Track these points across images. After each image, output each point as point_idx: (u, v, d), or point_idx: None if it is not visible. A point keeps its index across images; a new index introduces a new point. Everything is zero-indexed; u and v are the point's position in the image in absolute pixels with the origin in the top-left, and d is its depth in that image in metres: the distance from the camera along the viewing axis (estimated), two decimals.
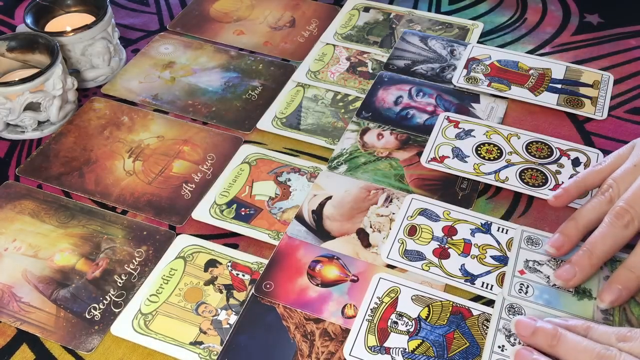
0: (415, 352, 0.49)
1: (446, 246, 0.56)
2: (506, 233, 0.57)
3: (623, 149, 0.56)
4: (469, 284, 0.53)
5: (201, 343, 0.51)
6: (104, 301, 0.54)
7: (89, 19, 0.73)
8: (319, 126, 0.68)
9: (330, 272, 0.55)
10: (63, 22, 0.75)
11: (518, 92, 0.70)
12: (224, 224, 0.59)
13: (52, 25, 0.75)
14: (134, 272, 0.56)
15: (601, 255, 0.51)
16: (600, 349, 0.44)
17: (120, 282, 0.55)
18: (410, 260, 0.55)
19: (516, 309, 0.51)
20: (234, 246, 0.58)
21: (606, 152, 0.64)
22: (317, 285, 0.54)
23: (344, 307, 0.53)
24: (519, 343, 0.49)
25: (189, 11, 0.85)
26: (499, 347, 0.49)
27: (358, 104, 0.70)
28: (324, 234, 0.58)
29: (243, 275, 0.55)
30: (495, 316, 0.51)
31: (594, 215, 0.52)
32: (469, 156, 0.64)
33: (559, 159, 0.63)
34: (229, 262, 0.56)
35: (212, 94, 0.73)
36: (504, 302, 0.52)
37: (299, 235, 0.58)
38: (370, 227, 0.58)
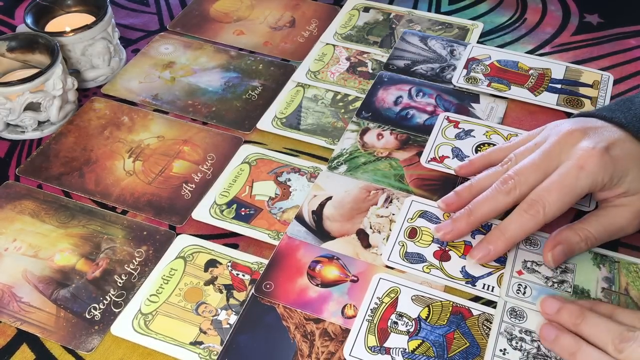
0: (415, 353, 0.49)
1: (447, 248, 0.56)
2: None
3: (535, 130, 0.58)
4: (470, 286, 0.53)
5: (201, 343, 0.51)
6: (104, 301, 0.54)
7: (89, 19, 0.73)
8: (319, 126, 0.68)
9: (330, 272, 0.55)
10: (63, 22, 0.75)
11: (518, 92, 0.70)
12: (224, 224, 0.59)
13: (52, 25, 0.75)
14: (134, 272, 0.56)
15: (480, 216, 0.53)
16: (624, 329, 0.45)
17: (120, 282, 0.55)
18: (411, 263, 0.55)
19: (518, 313, 0.51)
20: (234, 246, 0.58)
21: None
22: (317, 285, 0.54)
23: (344, 307, 0.53)
24: (520, 348, 0.49)
25: (189, 11, 0.85)
26: (501, 350, 0.49)
27: (358, 104, 0.70)
28: (324, 235, 0.58)
29: (243, 275, 0.55)
30: (497, 319, 0.51)
31: (488, 182, 0.55)
32: (468, 156, 0.64)
33: None
34: (229, 262, 0.56)
35: (212, 94, 0.73)
36: (505, 305, 0.52)
37: (299, 235, 0.58)
38: (370, 227, 0.58)
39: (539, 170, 0.52)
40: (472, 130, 0.66)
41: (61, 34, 0.70)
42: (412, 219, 0.58)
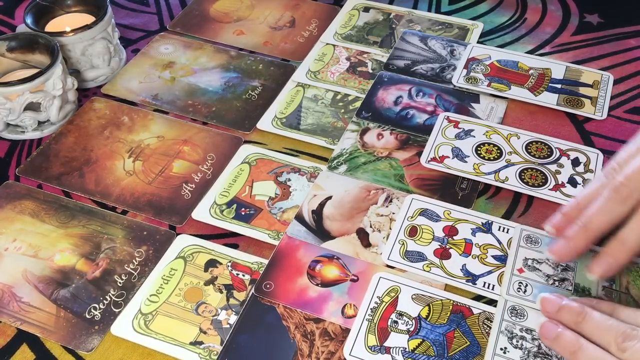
0: (416, 352, 0.49)
1: (447, 246, 0.56)
2: (507, 232, 0.57)
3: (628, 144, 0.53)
4: (470, 284, 0.53)
5: (201, 343, 0.51)
6: (104, 301, 0.54)
7: (89, 19, 0.73)
8: (319, 126, 0.68)
9: (330, 271, 0.55)
10: (63, 22, 0.75)
11: (518, 92, 0.70)
12: (224, 224, 0.59)
13: (52, 25, 0.75)
14: (134, 272, 0.56)
15: (596, 229, 0.50)
16: (626, 328, 0.44)
17: (120, 282, 0.55)
18: (412, 262, 0.55)
19: (518, 311, 0.51)
20: (234, 246, 0.58)
21: (606, 152, 0.64)
22: (317, 285, 0.54)
23: (344, 307, 0.53)
24: (521, 347, 0.49)
25: (189, 11, 0.85)
26: (501, 349, 0.49)
27: (358, 104, 0.70)
28: (324, 234, 0.58)
29: (243, 275, 0.55)
30: (498, 318, 0.51)
31: (596, 196, 0.51)
32: (468, 156, 0.64)
33: (558, 159, 0.63)
34: (229, 262, 0.56)
35: (212, 94, 0.73)
36: (506, 303, 0.52)
37: (299, 235, 0.58)
38: (370, 226, 0.58)
39: None
40: (472, 130, 0.66)
41: (61, 34, 0.70)
42: (412, 217, 0.58)
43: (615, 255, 0.50)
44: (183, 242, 0.58)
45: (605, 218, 0.50)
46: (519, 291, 0.52)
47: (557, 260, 0.52)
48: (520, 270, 0.54)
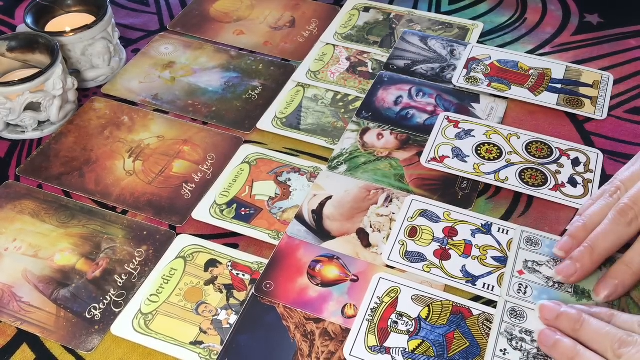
0: (416, 352, 0.49)
1: (447, 247, 0.56)
2: (507, 234, 0.57)
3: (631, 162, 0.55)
4: (470, 285, 0.53)
5: (201, 343, 0.51)
6: (104, 301, 0.54)
7: (89, 19, 0.73)
8: (319, 126, 0.68)
9: (331, 272, 0.55)
10: (63, 22, 0.75)
11: (518, 92, 0.70)
12: (224, 224, 0.59)
13: (52, 25, 0.75)
14: (134, 272, 0.56)
15: (603, 252, 0.51)
16: (623, 334, 0.44)
17: (120, 282, 0.55)
18: (411, 262, 0.55)
19: (518, 313, 0.51)
20: (234, 246, 0.58)
21: (606, 152, 0.64)
22: (317, 285, 0.54)
23: (344, 307, 0.53)
24: (521, 348, 0.49)
25: (189, 11, 0.85)
26: (501, 350, 0.49)
27: (358, 104, 0.70)
28: (324, 234, 0.58)
29: (243, 275, 0.55)
30: (497, 319, 0.51)
31: (602, 217, 0.52)
32: (468, 156, 0.64)
33: (558, 158, 0.63)
34: (229, 262, 0.56)
35: (212, 94, 0.73)
36: (506, 305, 0.52)
37: (299, 235, 0.58)
38: (370, 227, 0.58)
39: None
40: (472, 130, 0.66)
41: (61, 34, 0.70)
42: (412, 217, 0.58)
43: (621, 277, 0.50)
44: (183, 242, 0.58)
45: (611, 240, 0.50)
46: (519, 293, 0.52)
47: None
48: (521, 272, 0.54)
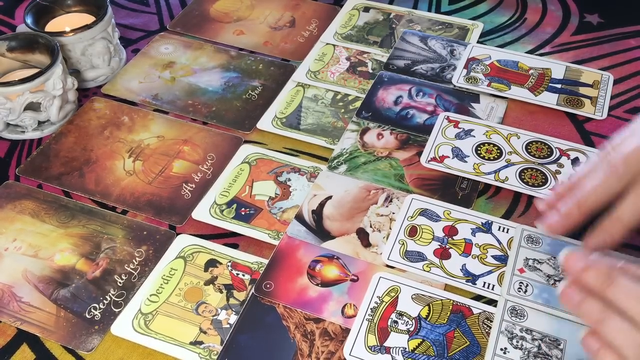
0: (416, 352, 0.49)
1: (447, 246, 0.56)
2: (507, 232, 0.57)
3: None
4: (470, 284, 0.53)
5: (201, 343, 0.51)
6: (104, 301, 0.54)
7: (89, 19, 0.73)
8: (319, 126, 0.68)
9: (330, 271, 0.55)
10: (63, 22, 0.75)
11: (518, 92, 0.70)
12: (224, 224, 0.59)
13: (52, 25, 0.75)
14: (134, 272, 0.56)
15: (591, 205, 0.49)
16: None
17: (120, 282, 0.55)
18: (411, 261, 0.55)
19: (519, 311, 0.51)
20: (234, 246, 0.58)
21: None
22: (317, 285, 0.54)
23: (344, 307, 0.53)
24: (521, 347, 0.49)
25: (189, 11, 0.85)
26: (502, 349, 0.49)
27: (358, 104, 0.70)
28: (324, 234, 0.58)
29: (243, 275, 0.55)
30: (498, 318, 0.51)
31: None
32: (468, 156, 0.64)
33: (558, 158, 0.63)
34: (229, 262, 0.56)
35: (212, 94, 0.73)
36: (506, 303, 0.52)
37: (299, 235, 0.58)
38: (370, 226, 0.58)
39: None
40: (472, 130, 0.66)
41: (61, 34, 0.70)
42: (412, 217, 0.58)
43: (611, 231, 0.49)
44: (183, 242, 0.58)
45: (600, 194, 0.49)
46: (519, 291, 0.52)
47: (548, 233, 0.51)
48: (521, 270, 0.54)
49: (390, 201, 0.60)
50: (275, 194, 0.62)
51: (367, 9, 0.83)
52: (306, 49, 0.78)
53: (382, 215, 0.59)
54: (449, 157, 0.64)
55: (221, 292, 0.54)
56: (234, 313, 0.53)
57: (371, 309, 0.52)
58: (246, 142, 0.67)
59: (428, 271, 0.54)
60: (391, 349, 0.49)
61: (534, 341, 0.49)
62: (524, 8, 0.83)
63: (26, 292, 0.55)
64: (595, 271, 0.42)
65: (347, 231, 0.58)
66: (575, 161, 0.63)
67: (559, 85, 0.71)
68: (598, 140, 0.66)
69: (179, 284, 0.55)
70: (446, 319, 0.51)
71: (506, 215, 0.59)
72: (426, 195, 0.60)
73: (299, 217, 0.59)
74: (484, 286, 0.53)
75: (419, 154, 0.64)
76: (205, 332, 0.51)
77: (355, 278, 0.55)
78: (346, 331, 0.51)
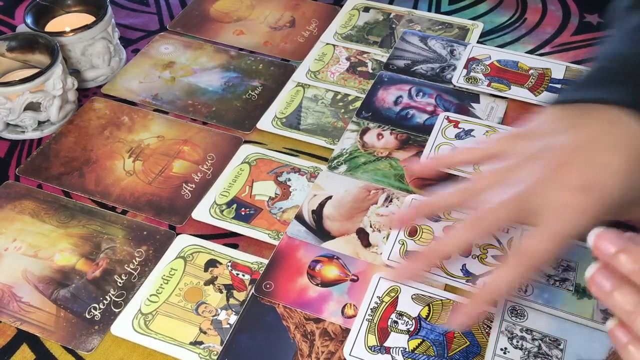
0: (416, 352, 0.49)
1: None
2: (507, 232, 0.57)
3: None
4: (470, 284, 0.53)
5: (201, 343, 0.51)
6: (104, 301, 0.54)
7: (89, 19, 0.73)
8: (319, 126, 0.68)
9: (330, 271, 0.55)
10: (63, 22, 0.75)
11: (518, 92, 0.70)
12: (224, 224, 0.59)
13: (52, 25, 0.75)
14: (134, 272, 0.56)
15: (442, 257, 0.52)
16: None
17: (120, 282, 0.55)
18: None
19: (519, 311, 0.51)
20: (234, 246, 0.58)
21: None
22: (317, 285, 0.54)
23: (344, 307, 0.53)
24: (521, 347, 0.49)
25: (189, 11, 0.85)
26: (502, 349, 0.49)
27: (358, 104, 0.70)
28: (324, 234, 0.58)
29: (243, 275, 0.55)
30: (498, 318, 0.51)
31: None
32: None
33: None
34: (229, 262, 0.56)
35: (212, 94, 0.73)
36: (506, 304, 0.52)
37: (299, 235, 0.58)
38: (370, 226, 0.58)
39: None
40: (472, 130, 0.66)
41: (61, 34, 0.70)
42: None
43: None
44: (183, 242, 0.58)
45: (457, 246, 0.48)
46: (519, 291, 0.52)
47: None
48: None
49: (390, 201, 0.60)
50: (275, 194, 0.62)
51: (367, 9, 0.83)
52: (306, 49, 0.78)
53: (382, 216, 0.59)
54: None
55: (221, 292, 0.54)
56: (234, 313, 0.53)
57: (371, 309, 0.52)
58: (246, 142, 0.67)
59: (428, 271, 0.54)
60: (391, 349, 0.49)
61: (534, 341, 0.49)
62: (524, 8, 0.83)
63: (26, 292, 0.55)
64: (628, 254, 0.36)
65: (347, 231, 0.58)
66: None
67: (559, 86, 0.71)
68: None
69: (179, 284, 0.55)
70: (446, 319, 0.51)
71: None
72: (426, 195, 0.60)
73: (299, 217, 0.59)
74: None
75: (419, 154, 0.64)
76: (205, 332, 0.51)
77: (355, 278, 0.55)
78: (346, 331, 0.51)
